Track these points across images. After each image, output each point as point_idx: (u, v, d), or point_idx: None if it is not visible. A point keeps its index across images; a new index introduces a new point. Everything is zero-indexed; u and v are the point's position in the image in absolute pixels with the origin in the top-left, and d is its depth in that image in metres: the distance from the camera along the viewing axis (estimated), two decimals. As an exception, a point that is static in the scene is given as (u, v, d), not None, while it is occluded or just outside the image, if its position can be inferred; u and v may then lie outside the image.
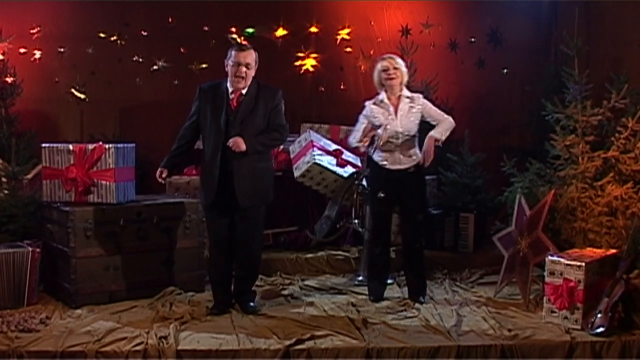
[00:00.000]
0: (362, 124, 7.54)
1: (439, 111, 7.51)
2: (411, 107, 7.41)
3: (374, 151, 7.43)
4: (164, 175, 7.28)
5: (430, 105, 7.51)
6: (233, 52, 7.04)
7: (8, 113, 9.69)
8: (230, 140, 6.87)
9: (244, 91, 7.04)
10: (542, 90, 9.90)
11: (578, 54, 8.01)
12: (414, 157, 7.43)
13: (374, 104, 7.52)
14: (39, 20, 9.99)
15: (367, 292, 7.79)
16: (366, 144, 7.36)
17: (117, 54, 10.20)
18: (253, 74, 7.07)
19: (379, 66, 7.47)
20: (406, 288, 7.79)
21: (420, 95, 7.54)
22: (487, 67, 10.69)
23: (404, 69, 7.49)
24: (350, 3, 10.48)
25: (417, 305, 7.41)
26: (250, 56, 7.04)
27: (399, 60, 7.48)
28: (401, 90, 7.47)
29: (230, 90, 7.05)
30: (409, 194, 7.48)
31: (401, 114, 7.38)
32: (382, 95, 7.49)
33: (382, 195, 7.48)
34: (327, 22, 10.44)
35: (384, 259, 7.74)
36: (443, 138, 7.38)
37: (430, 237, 9.03)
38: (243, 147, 6.87)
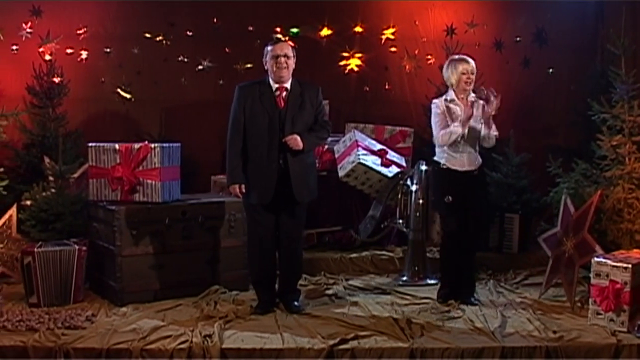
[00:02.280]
0: (442, 120, 7.32)
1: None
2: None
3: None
4: (244, 190, 7.12)
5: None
6: (269, 48, 7.06)
7: (55, 112, 9.79)
8: (290, 137, 6.91)
9: (287, 87, 7.06)
10: (588, 90, 9.79)
11: (625, 53, 7.94)
12: (477, 161, 7.39)
13: (447, 102, 7.38)
14: (85, 21, 10.07)
15: (411, 293, 7.84)
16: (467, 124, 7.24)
17: (162, 54, 10.26)
18: (293, 65, 7.08)
19: (460, 67, 7.32)
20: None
21: (480, 101, 7.42)
22: (532, 67, 10.61)
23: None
24: (395, 3, 10.45)
25: (461, 305, 7.38)
26: (287, 47, 7.07)
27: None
28: (469, 93, 7.43)
29: (274, 87, 7.05)
30: (474, 196, 7.40)
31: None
32: (452, 95, 7.39)
33: (450, 199, 7.36)
34: (372, 21, 10.42)
35: (455, 262, 7.60)
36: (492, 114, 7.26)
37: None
38: (301, 144, 6.93)
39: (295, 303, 7.26)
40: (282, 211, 7.14)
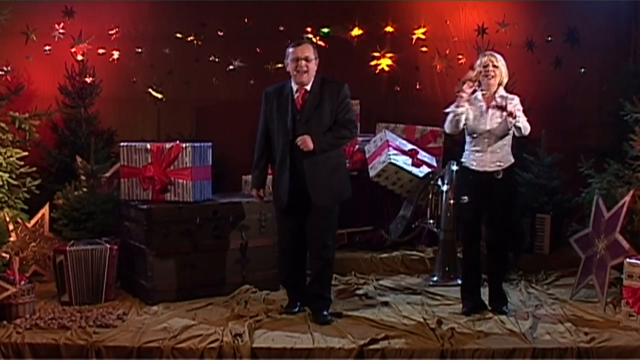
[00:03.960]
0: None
1: (524, 116, 7.00)
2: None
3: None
4: (262, 194, 7.26)
5: (520, 108, 7.03)
6: (290, 50, 6.97)
7: (87, 112, 9.87)
8: (299, 139, 6.78)
9: (308, 88, 6.94)
10: (620, 90, 9.68)
11: (658, 53, 7.90)
12: (503, 162, 7.07)
13: (467, 101, 7.14)
14: (117, 21, 10.13)
15: (442, 293, 7.83)
16: (465, 93, 7.01)
17: (193, 54, 10.30)
18: (315, 67, 6.95)
19: (478, 61, 7.18)
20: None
21: (516, 97, 7.14)
22: (564, 67, 10.54)
23: (504, 69, 7.15)
24: (426, 2, 10.44)
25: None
26: (308, 49, 6.92)
27: (500, 58, 7.15)
28: (497, 90, 7.17)
29: (294, 89, 6.97)
30: (495, 200, 7.12)
31: (491, 113, 7.05)
32: (477, 93, 7.18)
33: (465, 199, 7.19)
34: (403, 21, 10.40)
35: (476, 267, 7.39)
36: (517, 118, 6.85)
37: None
38: (311, 145, 6.76)
39: (324, 312, 7.01)
40: (306, 214, 6.99)
